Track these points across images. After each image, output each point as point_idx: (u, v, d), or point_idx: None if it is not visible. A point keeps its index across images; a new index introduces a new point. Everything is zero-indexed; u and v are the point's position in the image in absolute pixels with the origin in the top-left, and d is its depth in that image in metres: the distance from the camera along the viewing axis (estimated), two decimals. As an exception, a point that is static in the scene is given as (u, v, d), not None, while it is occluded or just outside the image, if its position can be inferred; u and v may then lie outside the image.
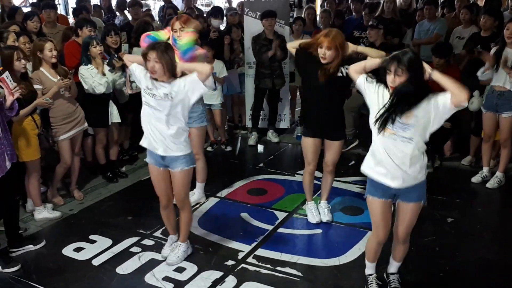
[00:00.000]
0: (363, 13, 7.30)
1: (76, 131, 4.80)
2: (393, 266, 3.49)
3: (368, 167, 3.17)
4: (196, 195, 4.89)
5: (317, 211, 4.50)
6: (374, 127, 3.05)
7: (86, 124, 4.91)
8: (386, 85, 3.00)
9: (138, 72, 3.54)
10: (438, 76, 2.88)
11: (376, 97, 3.04)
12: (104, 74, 4.98)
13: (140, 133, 3.68)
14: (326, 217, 4.47)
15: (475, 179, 5.31)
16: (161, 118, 3.46)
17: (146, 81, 3.47)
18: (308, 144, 4.24)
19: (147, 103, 3.50)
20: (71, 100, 4.73)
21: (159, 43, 3.53)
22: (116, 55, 5.09)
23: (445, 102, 2.83)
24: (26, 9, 7.30)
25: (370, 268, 3.52)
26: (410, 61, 2.84)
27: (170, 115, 3.46)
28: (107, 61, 5.04)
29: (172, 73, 3.45)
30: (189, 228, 3.91)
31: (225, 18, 7.47)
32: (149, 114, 3.51)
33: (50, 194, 4.93)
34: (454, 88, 2.79)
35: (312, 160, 4.29)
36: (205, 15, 8.00)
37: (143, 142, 3.65)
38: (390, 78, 2.91)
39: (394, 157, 3.00)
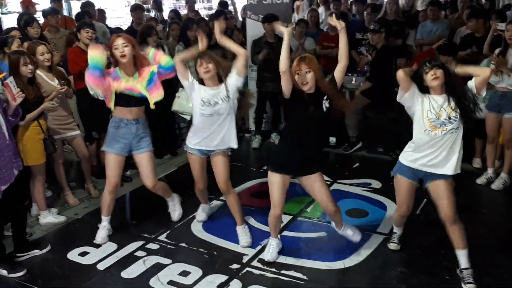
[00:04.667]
0: (365, 13, 7.30)
1: (65, 136, 4.85)
2: (462, 258, 3.60)
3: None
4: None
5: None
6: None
7: (78, 131, 4.97)
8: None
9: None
10: (460, 68, 3.55)
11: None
12: None
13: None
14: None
15: (480, 180, 5.30)
16: None
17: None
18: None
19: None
20: (64, 105, 4.76)
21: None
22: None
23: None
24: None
25: (397, 229, 4.11)
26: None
27: None
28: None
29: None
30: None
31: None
32: None
33: (68, 196, 5.03)
34: (478, 70, 3.49)
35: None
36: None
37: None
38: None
39: None
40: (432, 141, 3.45)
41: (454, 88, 3.43)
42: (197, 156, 4.16)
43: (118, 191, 4.40)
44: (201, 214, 4.67)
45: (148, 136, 4.18)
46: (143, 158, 4.15)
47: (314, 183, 3.76)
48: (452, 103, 3.39)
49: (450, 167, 3.48)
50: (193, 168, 4.24)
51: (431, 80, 3.39)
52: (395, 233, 4.13)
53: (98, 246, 4.21)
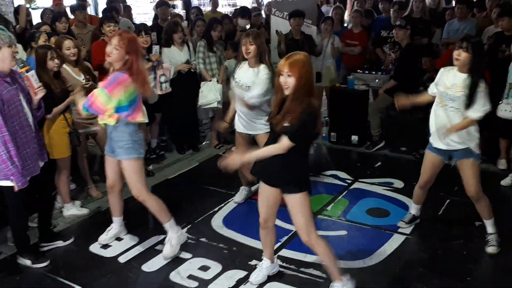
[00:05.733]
0: (391, 10, 7.21)
1: (89, 130, 4.89)
2: (488, 226, 3.97)
3: None
4: None
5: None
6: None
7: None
8: None
9: None
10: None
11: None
12: None
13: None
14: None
15: (505, 182, 5.20)
16: None
17: None
18: None
19: None
20: None
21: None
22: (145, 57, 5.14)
23: None
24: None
25: (413, 208, 4.31)
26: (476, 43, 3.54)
27: None
28: None
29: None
30: None
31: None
32: None
33: (91, 189, 5.10)
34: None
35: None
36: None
37: None
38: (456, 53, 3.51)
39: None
40: (441, 113, 3.68)
41: (478, 76, 3.51)
42: (239, 136, 4.50)
43: (117, 192, 4.09)
44: (238, 196, 4.93)
45: (128, 145, 3.70)
46: (123, 167, 3.81)
47: (289, 206, 3.25)
48: (465, 85, 3.53)
49: (467, 143, 3.68)
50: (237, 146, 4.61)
51: (454, 59, 3.56)
52: (410, 213, 4.33)
53: (119, 239, 4.27)
